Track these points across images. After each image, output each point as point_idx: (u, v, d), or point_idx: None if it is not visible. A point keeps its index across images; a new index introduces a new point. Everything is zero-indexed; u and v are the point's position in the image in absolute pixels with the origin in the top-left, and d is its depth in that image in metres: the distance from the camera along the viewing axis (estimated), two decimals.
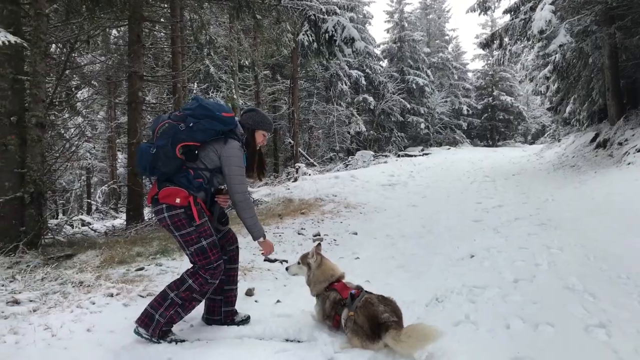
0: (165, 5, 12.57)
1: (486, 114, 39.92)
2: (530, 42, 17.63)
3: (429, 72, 35.23)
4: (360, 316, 3.35)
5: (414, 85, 32.78)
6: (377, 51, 34.37)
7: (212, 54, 15.94)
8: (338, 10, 14.19)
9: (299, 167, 17.54)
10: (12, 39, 5.77)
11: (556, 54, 16.42)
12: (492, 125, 40.00)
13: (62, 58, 8.96)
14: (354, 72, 28.37)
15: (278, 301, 4.42)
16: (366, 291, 3.63)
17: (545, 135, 30.16)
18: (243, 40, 14.34)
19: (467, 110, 37.28)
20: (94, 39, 11.26)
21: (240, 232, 7.44)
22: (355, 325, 3.34)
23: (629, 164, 10.76)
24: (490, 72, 39.99)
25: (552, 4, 12.52)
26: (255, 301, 4.52)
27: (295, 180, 15.15)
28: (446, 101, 36.25)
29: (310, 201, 10.56)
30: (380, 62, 33.96)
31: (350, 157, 25.28)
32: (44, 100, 6.88)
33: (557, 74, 18.34)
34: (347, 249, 6.71)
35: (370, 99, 29.63)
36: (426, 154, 27.30)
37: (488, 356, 3.06)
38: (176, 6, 12.16)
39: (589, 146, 15.46)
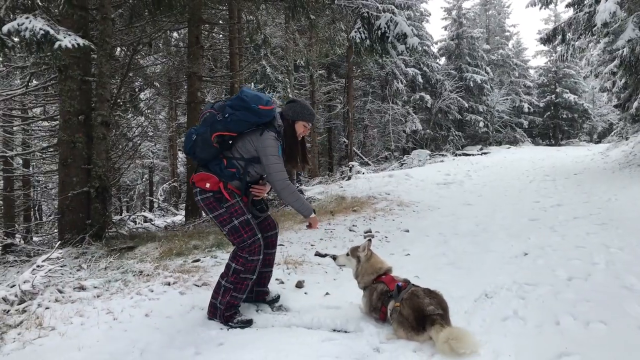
0: (224, 7, 12.91)
1: (549, 112, 38.48)
2: (595, 37, 16.95)
3: (488, 69, 34.38)
4: (406, 308, 3.37)
5: (472, 82, 32.08)
6: (434, 49, 33.85)
7: (268, 54, 16.24)
8: (395, 10, 14.15)
9: (353, 165, 17.58)
10: (81, 42, 6.12)
11: (624, 48, 15.71)
12: (555, 123, 38.55)
13: (126, 60, 9.38)
14: (410, 70, 28.08)
15: (327, 293, 4.49)
16: (413, 284, 3.65)
17: (612, 133, 28.81)
18: (298, 40, 14.53)
19: (529, 108, 36.07)
20: (155, 42, 11.72)
21: (293, 228, 7.63)
22: (401, 316, 3.37)
23: None
24: (553, 69, 38.51)
25: None
26: (305, 293, 4.60)
27: (349, 178, 15.21)
28: (506, 99, 35.23)
29: (363, 199, 10.58)
30: (438, 60, 33.43)
31: (405, 156, 25.08)
32: (108, 100, 7.26)
33: (625, 69, 17.49)
34: (398, 245, 6.70)
35: (427, 97, 29.25)
36: (485, 153, 26.66)
37: (534, 351, 3.01)
38: (234, 8, 12.48)
39: None
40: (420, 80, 29.02)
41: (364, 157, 24.62)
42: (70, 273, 5.12)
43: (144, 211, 19.79)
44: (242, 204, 3.77)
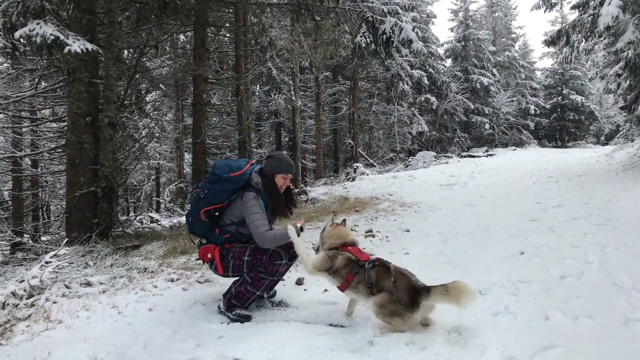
0: (230, 10, 13.07)
1: (555, 114, 38.43)
2: (600, 39, 16.97)
3: (494, 71, 34.37)
4: (399, 290, 3.50)
5: (478, 84, 32.07)
6: (441, 51, 33.91)
7: (274, 56, 16.40)
8: (400, 11, 14.26)
9: (357, 167, 17.70)
10: (90, 46, 6.30)
11: (629, 50, 15.73)
12: (562, 125, 38.51)
13: (133, 62, 9.55)
14: (416, 72, 28.14)
15: (325, 290, 4.60)
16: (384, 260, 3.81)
17: (618, 135, 28.76)
18: (303, 43, 14.67)
19: (535, 110, 36.01)
20: (162, 44, 11.88)
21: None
22: (398, 292, 3.49)
23: None
24: (559, 71, 38.44)
25: None
26: (305, 290, 4.73)
27: (353, 180, 15.33)
28: (512, 101, 35.20)
29: (366, 200, 10.70)
30: (444, 62, 33.49)
31: (410, 157, 25.16)
32: (115, 102, 7.42)
33: (630, 70, 17.52)
34: (398, 245, 6.81)
35: (433, 99, 29.28)
36: (490, 155, 26.69)
37: (521, 344, 3.12)
38: (239, 11, 12.63)
39: None
40: (426, 82, 29.08)
41: (369, 159, 24.73)
42: (77, 270, 5.28)
43: (151, 212, 19.98)
44: (240, 244, 4.09)
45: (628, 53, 16.01)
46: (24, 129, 12.88)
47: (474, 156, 26.07)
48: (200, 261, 4.42)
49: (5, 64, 13.50)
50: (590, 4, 15.93)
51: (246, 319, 3.95)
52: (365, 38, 10.62)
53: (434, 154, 25.11)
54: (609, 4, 12.02)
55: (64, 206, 11.18)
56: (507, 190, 12.19)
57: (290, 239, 3.86)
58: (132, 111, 11.35)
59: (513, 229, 7.41)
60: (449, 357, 3.08)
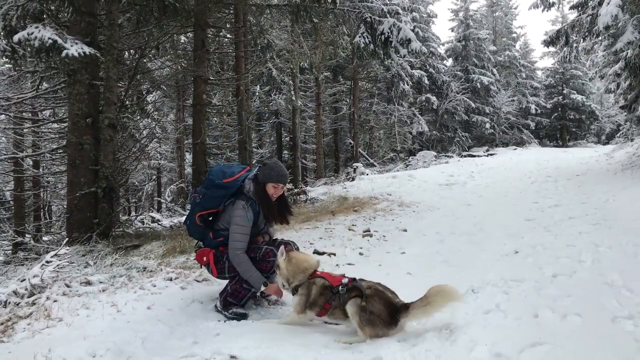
0: (230, 11, 13.14)
1: (556, 114, 38.47)
2: (598, 39, 17.01)
3: (494, 70, 34.43)
4: (377, 304, 3.46)
5: (478, 84, 32.12)
6: (441, 50, 33.98)
7: (274, 57, 16.47)
8: (400, 11, 14.29)
9: (357, 167, 17.78)
10: (87, 50, 6.38)
11: (628, 49, 15.78)
12: (562, 125, 38.55)
13: (133, 64, 9.63)
14: (417, 72, 28.21)
15: None
16: (359, 279, 3.75)
17: (619, 134, 28.78)
18: (303, 43, 14.75)
19: (536, 110, 36.06)
20: (162, 45, 11.96)
21: (293, 227, 7.83)
22: (372, 315, 3.42)
23: None
24: (560, 70, 38.47)
25: None
26: None
27: (353, 179, 15.40)
28: (513, 100, 35.24)
29: (365, 199, 10.77)
30: (444, 62, 33.56)
31: (411, 157, 25.24)
32: (115, 103, 7.50)
33: (629, 70, 17.55)
34: (395, 244, 6.88)
35: (433, 98, 29.35)
36: (491, 155, 26.74)
37: (510, 341, 3.18)
38: (239, 12, 12.71)
39: None
40: (427, 81, 29.16)
41: (369, 159, 24.81)
42: (78, 269, 5.35)
43: (152, 212, 20.07)
44: None
45: (627, 53, 16.05)
46: (25, 130, 12.98)
47: (474, 156, 26.13)
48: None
49: (7, 66, 13.59)
50: (590, 3, 15.98)
51: (242, 317, 4.03)
52: (364, 38, 10.68)
53: (435, 153, 25.20)
54: (608, 3, 12.07)
55: (65, 206, 11.27)
56: (505, 190, 12.25)
57: (254, 286, 3.95)
58: (134, 112, 11.44)
59: (509, 228, 7.47)
60: (439, 353, 3.15)
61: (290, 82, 18.23)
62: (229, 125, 19.66)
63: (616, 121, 40.43)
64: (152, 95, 14.65)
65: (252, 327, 3.84)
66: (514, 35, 42.83)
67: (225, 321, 3.98)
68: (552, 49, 33.95)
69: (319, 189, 13.48)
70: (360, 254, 6.41)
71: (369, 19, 10.56)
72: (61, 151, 10.24)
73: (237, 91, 13.88)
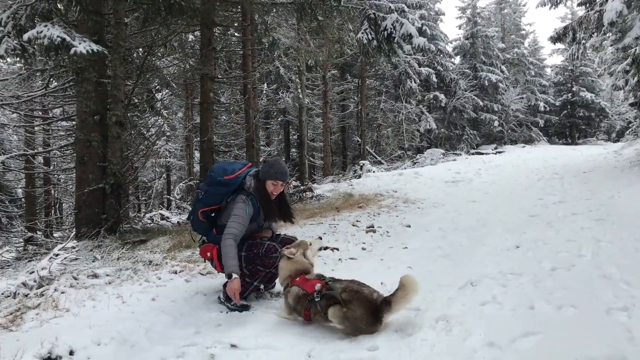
0: (238, 10, 13.23)
1: (565, 111, 38.21)
2: (605, 35, 16.91)
3: (503, 68, 34.28)
4: (357, 309, 3.43)
5: (486, 81, 32.02)
6: (449, 48, 33.87)
7: (282, 55, 16.55)
8: (406, 8, 14.35)
9: (363, 164, 17.83)
10: (95, 47, 6.50)
11: (636, 46, 15.69)
12: (572, 122, 38.28)
13: (140, 61, 9.77)
14: (424, 70, 28.17)
15: None
16: (331, 278, 3.78)
17: (628, 132, 28.58)
18: (309, 41, 14.82)
19: (545, 107, 35.83)
20: (171, 43, 12.08)
21: (298, 224, 7.92)
22: (356, 320, 3.42)
23: None
24: (569, 67, 38.15)
25: None
26: None
27: (359, 177, 15.47)
28: (522, 98, 35.04)
29: (370, 196, 10.83)
30: (452, 59, 33.46)
31: (419, 155, 25.23)
32: (122, 101, 7.63)
33: (637, 67, 17.45)
34: (398, 240, 6.95)
35: (442, 96, 29.31)
36: (499, 152, 26.63)
37: (503, 331, 3.24)
38: (246, 11, 12.80)
39: None
40: (435, 79, 29.10)
41: (377, 156, 24.83)
42: (85, 262, 5.49)
43: (162, 209, 20.26)
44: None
45: (635, 49, 15.95)
46: (36, 128, 13.16)
47: (482, 153, 26.04)
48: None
49: (18, 64, 13.79)
50: (597, 0, 15.92)
51: (244, 308, 4.12)
52: (367, 34, 10.75)
53: (442, 151, 25.17)
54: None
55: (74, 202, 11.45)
56: (511, 187, 12.26)
57: (229, 276, 3.89)
58: (143, 109, 11.58)
59: (512, 224, 7.50)
60: (434, 342, 3.22)
61: (297, 80, 18.30)
62: (236, 123, 19.78)
63: (626, 118, 40.05)
64: (161, 94, 14.78)
65: (252, 318, 3.93)
66: (523, 32, 42.60)
67: (227, 312, 4.07)
68: (560, 46, 33.84)
69: (325, 186, 13.56)
70: (363, 248, 6.49)
71: (372, 15, 10.63)
72: (70, 148, 10.40)
73: (245, 89, 13.98)
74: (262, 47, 14.60)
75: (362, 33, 10.83)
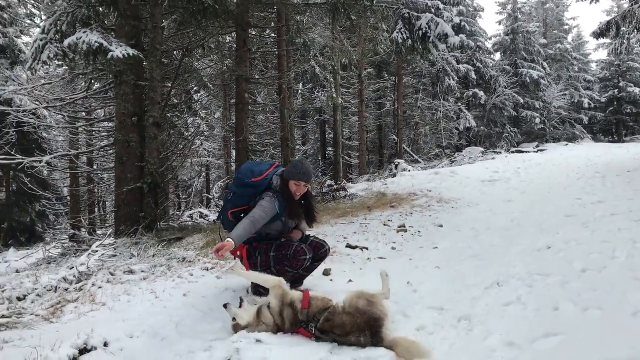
0: (273, 11, 13.41)
1: (611, 108, 36.99)
2: None
3: (545, 64, 33.47)
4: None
5: (528, 78, 31.32)
6: (489, 44, 33.31)
7: (317, 54, 16.66)
8: (441, 6, 14.23)
9: (399, 163, 17.75)
10: (131, 52, 6.75)
11: None
12: (618, 119, 37.04)
13: (177, 63, 10.04)
14: (463, 67, 27.79)
15: (350, 281, 4.82)
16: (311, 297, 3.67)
17: None
18: (344, 41, 14.87)
19: (589, 104, 34.82)
20: (208, 45, 12.35)
21: (329, 223, 8.00)
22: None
23: None
24: (616, 63, 36.89)
25: None
26: (331, 280, 4.96)
27: (394, 176, 15.42)
28: (564, 94, 34.11)
29: (403, 196, 10.80)
30: (492, 56, 32.89)
31: (457, 153, 24.90)
32: (159, 103, 7.87)
33: None
34: (429, 239, 6.93)
35: (481, 93, 28.84)
36: (541, 151, 26.00)
37: (524, 331, 3.24)
38: (281, 12, 12.97)
39: None
40: (474, 76, 28.68)
41: (414, 155, 24.65)
42: (123, 259, 5.72)
43: (201, 207, 20.69)
44: (267, 242, 4.32)
45: None
46: (79, 129, 13.66)
47: (523, 152, 25.50)
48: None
49: (64, 67, 14.35)
50: None
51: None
52: (402, 34, 10.74)
53: (482, 149, 24.74)
54: None
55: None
56: (550, 186, 11.97)
57: (233, 242, 3.86)
58: (182, 110, 11.89)
59: (546, 224, 7.36)
60: (454, 341, 3.26)
61: (332, 79, 18.37)
62: (272, 123, 20.01)
63: None
64: (198, 95, 15.11)
65: None
66: (566, 27, 41.46)
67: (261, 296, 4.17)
68: (606, 40, 32.81)
69: (359, 185, 13.59)
70: (393, 248, 6.51)
71: (407, 15, 10.62)
72: (111, 149, 10.76)
73: (280, 90, 14.16)
74: (298, 47, 14.72)
75: (397, 33, 10.83)
